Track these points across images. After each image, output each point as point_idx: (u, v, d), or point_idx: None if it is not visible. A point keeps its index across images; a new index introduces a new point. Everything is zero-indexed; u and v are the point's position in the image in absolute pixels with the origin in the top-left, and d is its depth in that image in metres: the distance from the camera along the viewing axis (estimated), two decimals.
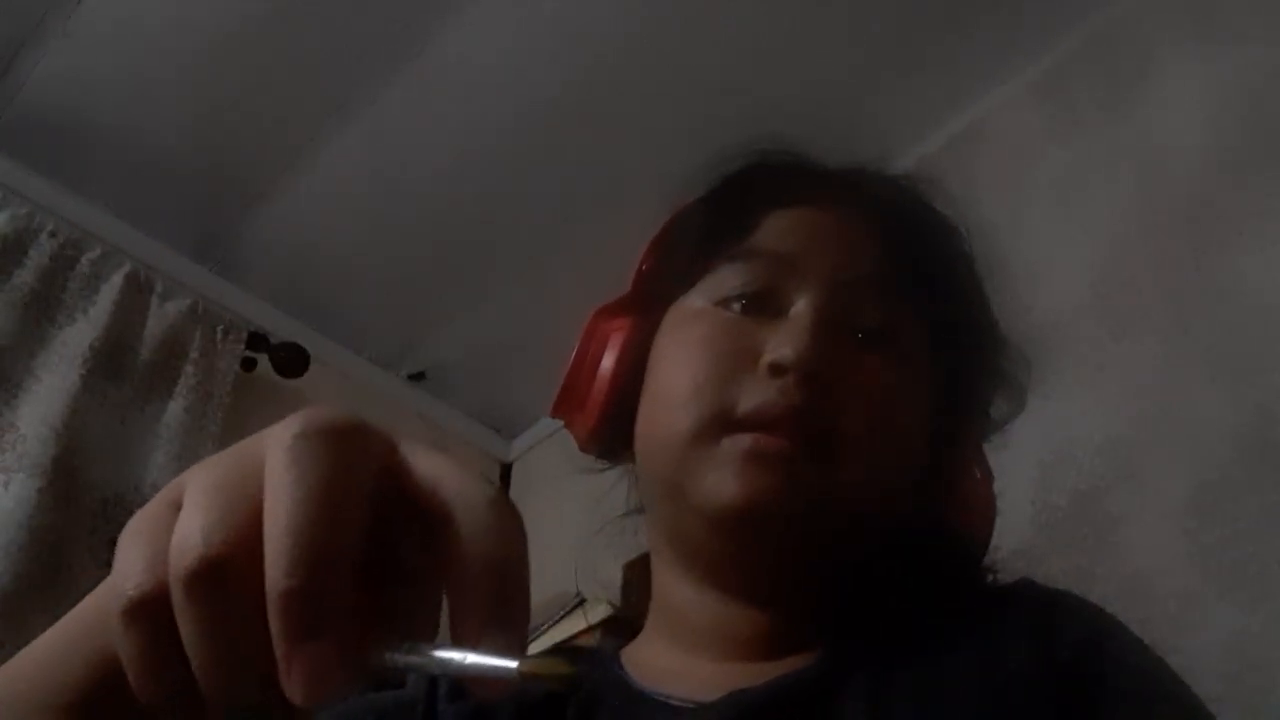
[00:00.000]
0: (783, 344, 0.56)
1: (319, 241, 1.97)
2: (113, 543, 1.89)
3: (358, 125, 1.78)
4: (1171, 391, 1.23)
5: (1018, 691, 0.50)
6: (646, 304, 0.66)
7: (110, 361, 1.75)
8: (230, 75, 1.72)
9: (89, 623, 0.34)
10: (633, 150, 1.74)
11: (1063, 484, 1.27)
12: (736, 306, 0.60)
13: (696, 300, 0.62)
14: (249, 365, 1.95)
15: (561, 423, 0.69)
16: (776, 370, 0.56)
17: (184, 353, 1.84)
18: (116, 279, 1.82)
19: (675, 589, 0.61)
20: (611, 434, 0.65)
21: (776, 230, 0.62)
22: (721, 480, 0.55)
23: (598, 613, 1.42)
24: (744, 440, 0.55)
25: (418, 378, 2.24)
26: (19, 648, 0.36)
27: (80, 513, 1.64)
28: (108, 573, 0.30)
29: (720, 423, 0.56)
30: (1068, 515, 1.26)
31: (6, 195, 1.77)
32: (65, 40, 1.67)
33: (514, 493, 2.30)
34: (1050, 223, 1.45)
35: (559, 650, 0.67)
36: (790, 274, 0.60)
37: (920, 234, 0.64)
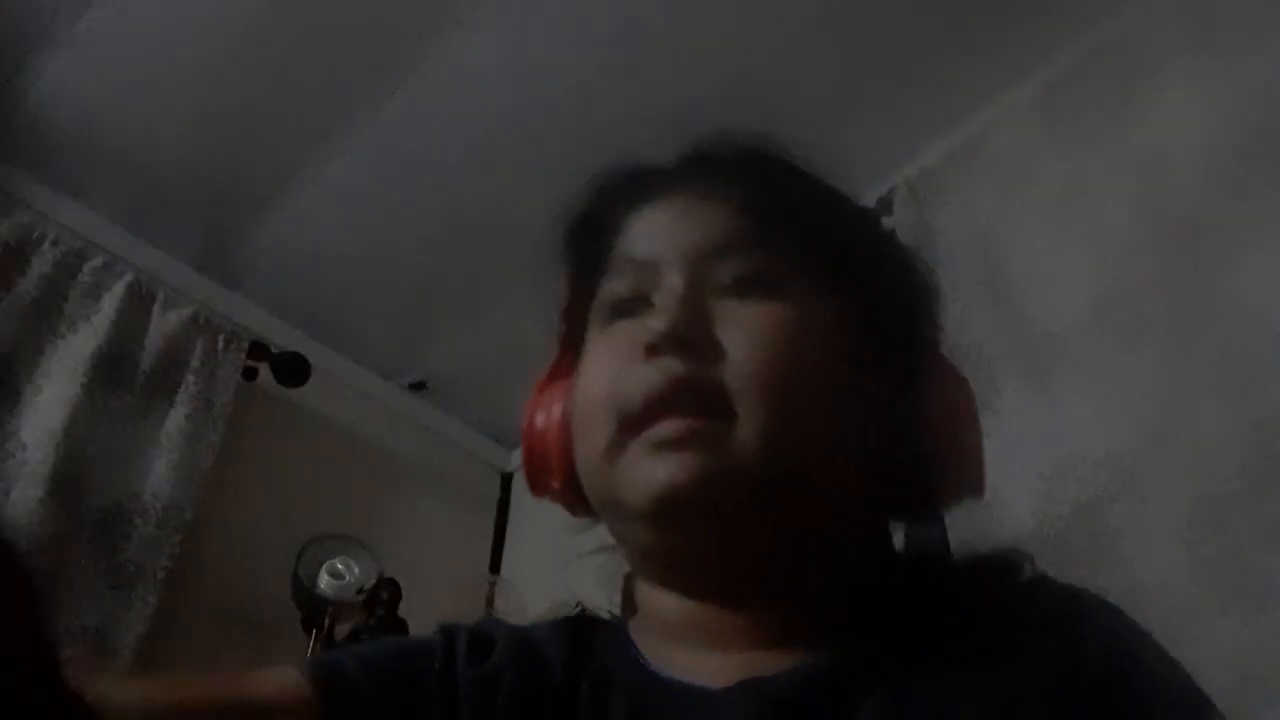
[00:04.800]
0: (653, 323, 0.57)
1: (321, 251, 1.97)
2: (114, 549, 1.86)
3: (360, 136, 1.78)
4: (1173, 404, 1.23)
5: (1039, 695, 0.50)
6: (571, 352, 0.67)
7: (112, 370, 1.75)
8: (233, 85, 1.72)
9: None
10: (633, 160, 1.74)
11: (1064, 496, 1.27)
12: (623, 317, 0.61)
13: (594, 328, 0.64)
14: (250, 374, 1.95)
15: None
16: (651, 350, 0.56)
17: (185, 362, 1.85)
18: (118, 288, 1.82)
19: (660, 600, 0.61)
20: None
21: (636, 235, 0.64)
22: (639, 481, 0.55)
23: None
24: (646, 436, 0.55)
25: (418, 387, 2.24)
26: None
27: (81, 521, 1.63)
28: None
29: (624, 427, 0.56)
30: (1069, 527, 1.25)
31: (9, 204, 1.78)
32: (69, 50, 1.67)
33: (514, 502, 2.29)
34: (1051, 235, 1.45)
35: (579, 618, 0.67)
36: (655, 269, 0.61)
37: (773, 186, 0.65)
